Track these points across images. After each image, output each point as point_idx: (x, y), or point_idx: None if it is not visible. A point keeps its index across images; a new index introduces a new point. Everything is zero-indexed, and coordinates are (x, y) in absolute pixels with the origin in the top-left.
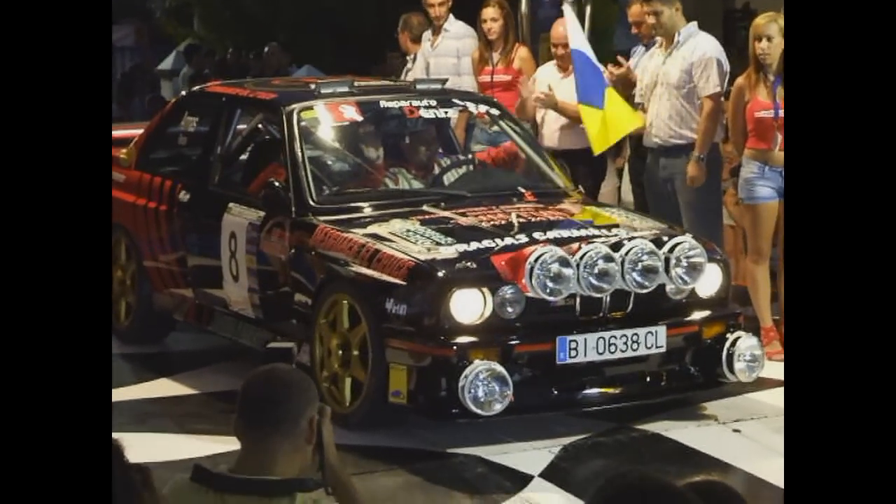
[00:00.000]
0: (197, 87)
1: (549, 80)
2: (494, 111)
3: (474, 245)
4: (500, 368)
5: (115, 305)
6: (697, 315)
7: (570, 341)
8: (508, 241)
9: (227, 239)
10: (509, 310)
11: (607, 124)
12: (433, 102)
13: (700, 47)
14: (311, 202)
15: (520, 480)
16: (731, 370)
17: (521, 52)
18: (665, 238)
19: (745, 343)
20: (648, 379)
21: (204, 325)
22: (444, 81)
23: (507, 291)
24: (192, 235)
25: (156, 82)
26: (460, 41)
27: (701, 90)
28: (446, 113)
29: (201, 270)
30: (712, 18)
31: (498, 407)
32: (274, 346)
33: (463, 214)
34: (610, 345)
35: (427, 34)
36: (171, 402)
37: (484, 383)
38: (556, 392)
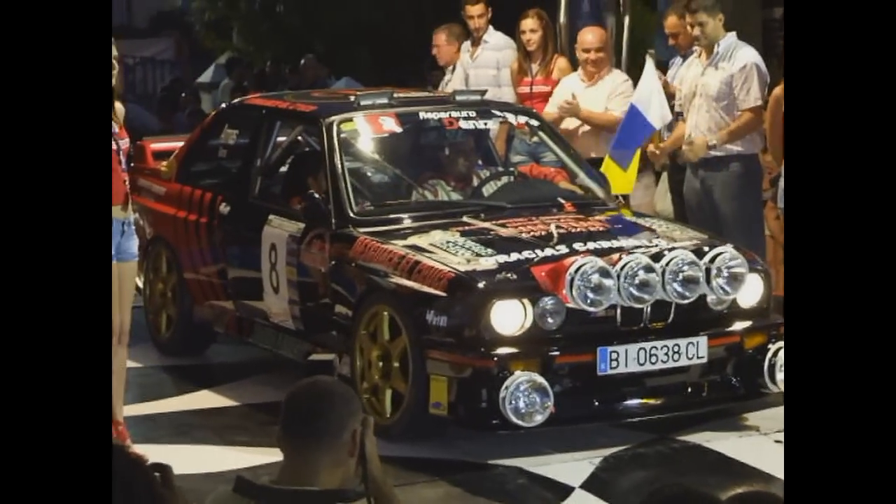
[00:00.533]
0: (237, 100)
1: (573, 88)
2: (534, 122)
3: (514, 256)
4: (540, 379)
5: (155, 318)
6: (739, 325)
7: (611, 352)
8: (548, 251)
9: (268, 251)
10: (550, 321)
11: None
12: (472, 114)
13: (740, 59)
14: (351, 214)
15: (561, 492)
16: (773, 381)
17: (560, 63)
18: (706, 248)
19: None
20: (689, 390)
21: (244, 337)
22: (483, 93)
23: (548, 302)
24: (233, 248)
25: (195, 95)
26: (500, 52)
27: (741, 103)
28: (485, 124)
29: (242, 282)
30: (751, 28)
31: (539, 418)
32: (315, 359)
33: (503, 226)
34: (651, 355)
35: (466, 45)
36: (212, 414)
37: (525, 394)
38: (597, 403)
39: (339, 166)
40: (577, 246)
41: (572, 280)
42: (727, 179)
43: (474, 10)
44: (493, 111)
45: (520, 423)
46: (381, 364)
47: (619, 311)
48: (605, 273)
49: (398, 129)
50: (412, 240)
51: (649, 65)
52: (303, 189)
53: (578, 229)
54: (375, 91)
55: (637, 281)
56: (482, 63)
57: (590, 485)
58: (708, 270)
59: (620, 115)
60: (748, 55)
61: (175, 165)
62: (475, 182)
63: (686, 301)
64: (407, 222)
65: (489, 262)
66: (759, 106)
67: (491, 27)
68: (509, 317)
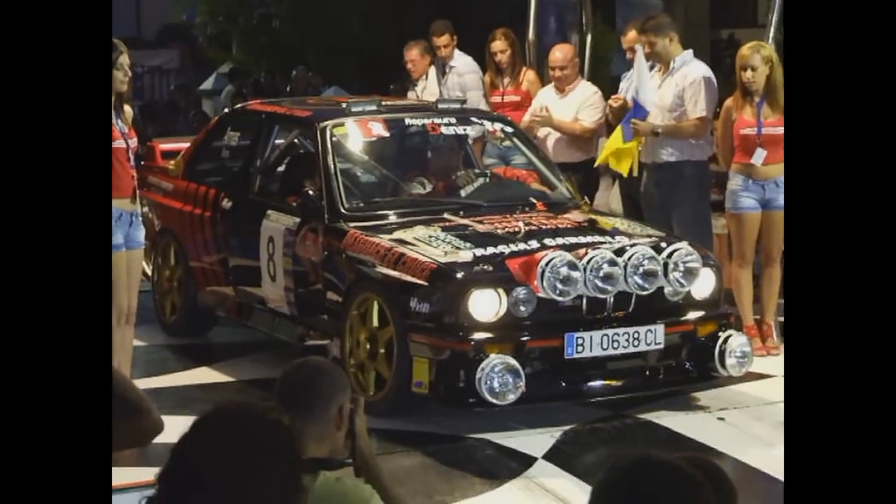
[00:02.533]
0: (239, 105)
1: (547, 100)
2: (508, 129)
3: (490, 249)
4: (513, 362)
5: (162, 302)
6: (692, 315)
7: (578, 338)
8: (521, 246)
9: (266, 243)
10: (522, 309)
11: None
12: (453, 120)
13: (692, 74)
14: (342, 210)
15: (525, 462)
16: (724, 365)
17: (529, 76)
18: (664, 244)
19: (736, 341)
20: (647, 373)
21: (244, 321)
22: (463, 101)
23: (521, 292)
24: (234, 239)
25: (198, 101)
26: (462, 77)
27: (690, 112)
28: (465, 130)
29: (242, 271)
30: (701, 48)
31: (511, 397)
32: (311, 343)
33: (479, 222)
34: (613, 341)
35: (438, 72)
36: (212, 389)
37: (499, 375)
38: (563, 384)
39: (332, 166)
40: (547, 241)
41: (543, 272)
42: (680, 184)
43: (440, 41)
44: (471, 118)
45: (494, 401)
46: (367, 346)
47: (584, 300)
48: (572, 266)
49: (386, 134)
50: (397, 234)
51: (643, 68)
52: (298, 188)
53: (548, 226)
54: (365, 99)
55: (602, 273)
56: (450, 87)
57: (551, 456)
58: (666, 265)
59: (590, 124)
60: (700, 71)
61: (182, 164)
62: (454, 181)
63: (645, 292)
64: (393, 218)
65: (467, 254)
66: (705, 117)
67: (457, 51)
68: (485, 304)
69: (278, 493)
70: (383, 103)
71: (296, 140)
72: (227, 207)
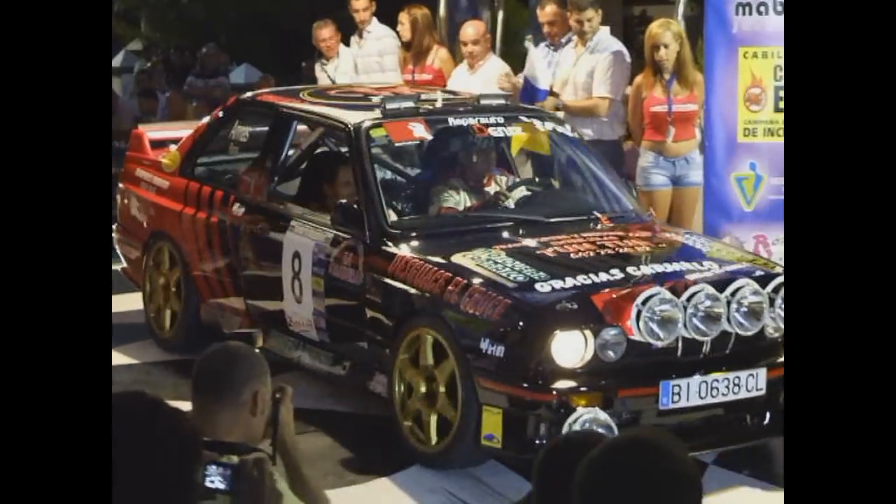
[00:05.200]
0: (248, 95)
1: (459, 77)
2: (560, 129)
3: (569, 281)
4: (605, 417)
5: (155, 315)
6: None
7: (674, 385)
8: (603, 276)
9: (290, 258)
10: (611, 353)
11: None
12: (500, 120)
13: (607, 51)
14: (386, 226)
15: None
16: None
17: (441, 54)
18: (761, 273)
19: None
20: (748, 421)
21: (257, 344)
22: (506, 96)
23: (611, 334)
24: (248, 252)
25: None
26: (381, 41)
27: (595, 90)
28: (515, 131)
29: (259, 288)
30: (614, 24)
31: None
32: (238, 331)
33: (545, 244)
34: (712, 388)
35: (354, 37)
36: None
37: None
38: None
39: (371, 175)
40: (631, 269)
41: (639, 312)
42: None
43: (358, 3)
44: (520, 117)
45: None
46: (423, 387)
47: (680, 342)
48: (672, 305)
49: (428, 136)
50: (456, 258)
51: (533, 51)
52: (319, 193)
53: (625, 249)
54: (398, 93)
55: (703, 313)
56: (367, 52)
57: None
58: (772, 300)
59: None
60: (613, 48)
61: (178, 158)
62: (494, 187)
63: (749, 333)
64: (444, 236)
65: (544, 287)
66: (609, 96)
67: (375, 19)
68: (570, 348)
69: (173, 474)
70: (421, 97)
71: (319, 140)
72: (239, 213)
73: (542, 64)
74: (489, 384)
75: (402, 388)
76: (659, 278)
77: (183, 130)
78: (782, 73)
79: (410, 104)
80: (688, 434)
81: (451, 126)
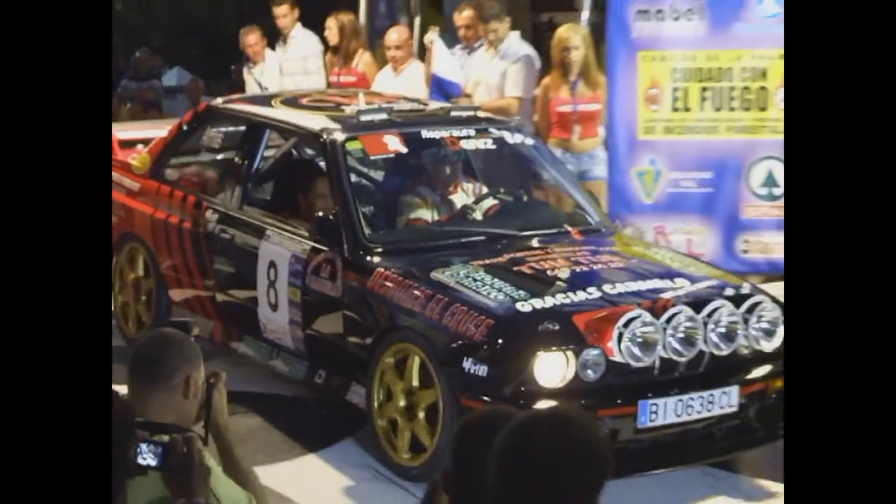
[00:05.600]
0: (218, 101)
1: (384, 79)
2: (529, 141)
3: (549, 300)
4: None
5: (124, 314)
6: (763, 371)
7: (651, 405)
8: (581, 295)
9: (266, 268)
10: (590, 373)
11: None
12: (472, 133)
13: (517, 55)
14: (364, 240)
15: (359, 420)
16: None
17: (366, 57)
18: (732, 291)
19: None
20: (716, 436)
21: (228, 345)
22: (476, 108)
23: (591, 354)
24: (222, 258)
25: None
26: (304, 45)
27: (506, 91)
28: (486, 144)
29: (232, 294)
30: (524, 30)
31: None
32: (175, 319)
33: (522, 260)
34: (687, 407)
35: (279, 42)
36: None
37: None
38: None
39: (348, 189)
40: (607, 288)
41: (621, 335)
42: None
43: (279, 10)
44: (490, 129)
45: None
46: (401, 401)
47: (657, 361)
48: (653, 327)
49: (403, 149)
50: (435, 274)
51: (439, 43)
52: (293, 203)
53: (598, 265)
54: (368, 103)
55: (682, 334)
56: (291, 56)
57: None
58: (746, 320)
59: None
60: (523, 52)
61: (149, 161)
62: (461, 195)
63: (723, 353)
64: (420, 250)
65: (525, 307)
66: (520, 96)
67: (299, 24)
68: (552, 369)
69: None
70: (393, 109)
71: (293, 149)
72: (212, 220)
73: (451, 58)
74: (472, 403)
75: (382, 392)
76: (635, 297)
77: (151, 130)
78: (679, 75)
79: (384, 116)
80: (662, 451)
81: (425, 138)
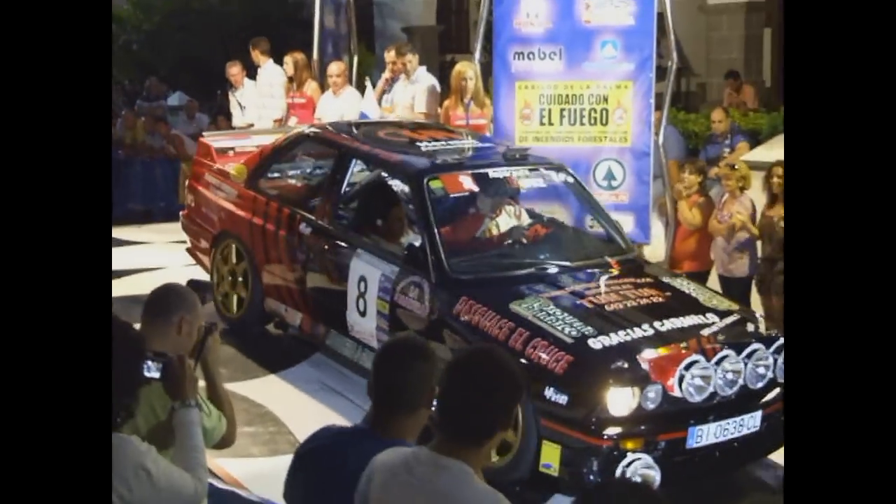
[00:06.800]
0: (312, 129)
1: (326, 101)
2: (570, 179)
3: (614, 338)
4: (650, 459)
5: (224, 301)
6: (775, 395)
7: (698, 430)
8: (638, 332)
9: (356, 281)
10: (651, 405)
11: None
12: (527, 173)
13: (424, 83)
14: (447, 269)
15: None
16: None
17: (313, 85)
18: (759, 329)
19: None
20: (738, 448)
21: (316, 339)
22: (526, 150)
23: (654, 390)
24: (316, 266)
25: None
26: (270, 75)
27: (416, 109)
28: (539, 182)
29: (323, 296)
30: (432, 66)
31: None
32: (194, 280)
33: (581, 294)
34: (724, 430)
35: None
36: None
37: (639, 475)
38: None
39: (434, 223)
40: (657, 325)
41: (682, 378)
42: None
43: (254, 54)
44: (541, 170)
45: None
46: None
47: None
48: (708, 370)
49: (475, 188)
50: (513, 307)
51: (369, 88)
52: (372, 222)
53: (644, 301)
54: (433, 138)
55: (729, 376)
56: (262, 83)
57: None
58: (775, 361)
59: (351, 117)
60: (429, 81)
61: (245, 172)
62: (504, 216)
63: (756, 387)
64: (496, 281)
65: (596, 344)
66: (427, 112)
67: (270, 60)
68: (621, 402)
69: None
70: (462, 149)
71: (377, 177)
72: (306, 233)
73: (372, 101)
74: (551, 424)
75: None
76: (681, 334)
77: (240, 140)
78: (544, 99)
79: (457, 157)
80: (704, 462)
81: (491, 178)
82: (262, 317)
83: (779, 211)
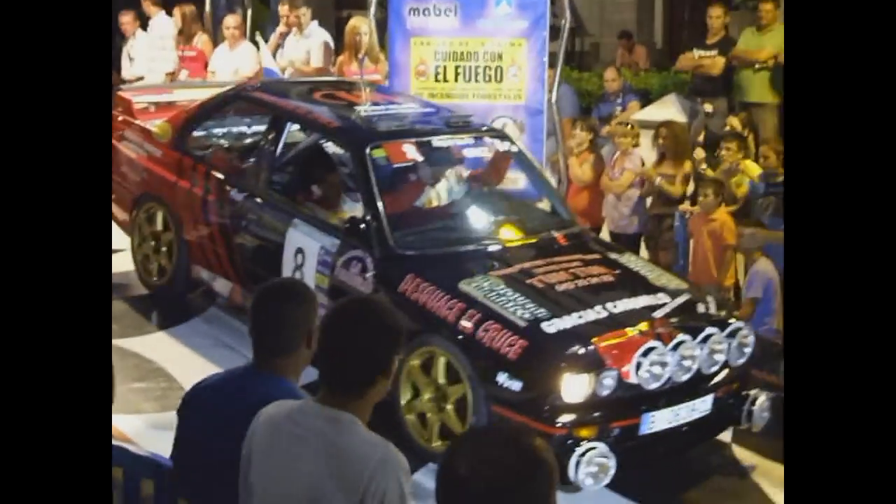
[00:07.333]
0: (242, 87)
1: (222, 53)
2: (513, 148)
3: (567, 321)
4: (605, 448)
5: (145, 265)
6: (727, 378)
7: (651, 416)
8: (591, 315)
9: (293, 253)
10: (605, 391)
11: None
12: (471, 142)
13: (318, 38)
14: (391, 243)
15: None
16: (750, 421)
17: (203, 38)
18: (707, 307)
19: (760, 399)
20: (688, 431)
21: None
22: (468, 116)
23: (609, 375)
24: (247, 235)
25: None
26: (161, 27)
27: (312, 63)
28: (482, 152)
29: (255, 266)
30: (328, 23)
31: (605, 480)
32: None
33: (530, 273)
34: (676, 415)
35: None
36: None
37: (594, 464)
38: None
39: (377, 194)
40: (609, 306)
41: (639, 364)
42: None
43: (145, 4)
44: (484, 139)
45: (591, 483)
46: (428, 396)
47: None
48: (665, 356)
49: (420, 158)
50: (463, 286)
51: (261, 43)
52: (307, 190)
53: (594, 280)
54: (373, 101)
55: (685, 363)
56: (153, 36)
57: None
58: (729, 345)
59: (247, 71)
60: (323, 37)
61: (170, 131)
62: (444, 182)
63: (710, 371)
64: (440, 255)
65: (551, 328)
66: (321, 67)
67: (162, 12)
68: (577, 388)
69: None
70: (399, 114)
71: (314, 142)
72: (238, 199)
73: (269, 55)
74: (503, 411)
75: (410, 391)
76: (633, 316)
77: (163, 95)
78: (440, 56)
79: (398, 124)
80: (654, 446)
81: (435, 147)
82: (187, 285)
83: (666, 169)
